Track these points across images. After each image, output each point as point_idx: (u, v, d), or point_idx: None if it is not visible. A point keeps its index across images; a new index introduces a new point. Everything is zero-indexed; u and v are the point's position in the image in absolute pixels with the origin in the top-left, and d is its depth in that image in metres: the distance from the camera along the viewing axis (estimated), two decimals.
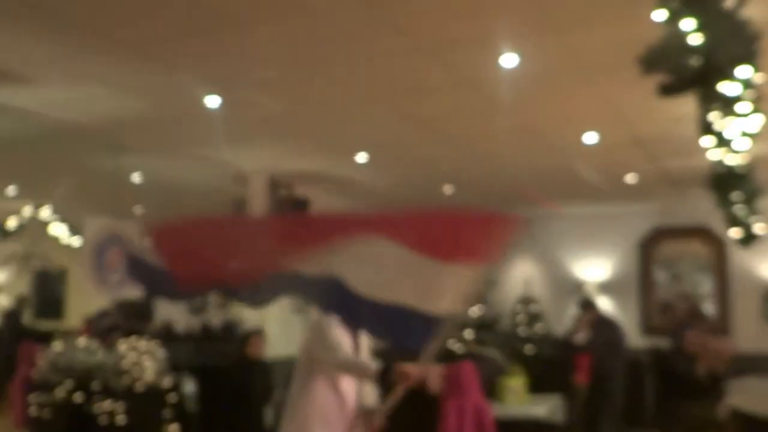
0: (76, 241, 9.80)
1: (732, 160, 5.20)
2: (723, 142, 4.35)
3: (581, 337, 7.37)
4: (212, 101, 5.29)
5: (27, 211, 9.58)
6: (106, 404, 5.39)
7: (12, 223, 9.78)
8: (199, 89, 5.07)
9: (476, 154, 7.01)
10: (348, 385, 3.65)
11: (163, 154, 7.22)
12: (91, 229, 6.77)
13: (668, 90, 3.36)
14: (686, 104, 4.54)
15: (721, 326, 9.05)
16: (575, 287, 9.99)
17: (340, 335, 3.60)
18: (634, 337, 9.36)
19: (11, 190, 8.97)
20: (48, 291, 12.40)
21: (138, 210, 9.82)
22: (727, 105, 3.70)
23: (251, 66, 4.62)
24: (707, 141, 4.38)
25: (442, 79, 4.79)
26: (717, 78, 2.99)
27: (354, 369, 3.59)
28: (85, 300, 10.51)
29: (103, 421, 5.30)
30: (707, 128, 4.16)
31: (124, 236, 6.86)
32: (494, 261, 3.02)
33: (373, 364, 3.57)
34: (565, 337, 7.96)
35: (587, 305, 7.70)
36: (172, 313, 11.32)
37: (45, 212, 9.60)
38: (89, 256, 6.70)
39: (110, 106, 5.58)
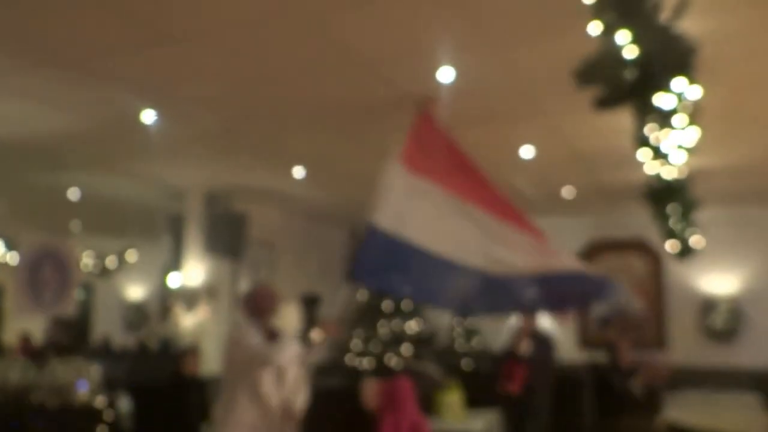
0: (12, 258, 9.47)
1: (668, 173, 5.35)
2: (659, 156, 4.47)
3: (523, 348, 7.42)
4: (148, 116, 5.22)
5: None
6: (41, 422, 5.22)
7: None
8: (135, 105, 5.01)
9: None
10: (270, 388, 3.83)
11: (99, 170, 7.07)
12: (26, 246, 6.58)
13: (603, 103, 3.43)
14: (623, 118, 4.68)
15: (657, 340, 9.26)
16: None
17: (253, 334, 3.82)
18: (572, 351, 9.50)
19: None
20: None
21: (75, 226, 9.56)
22: (662, 118, 3.79)
23: (188, 81, 4.57)
24: (643, 154, 4.49)
25: (380, 94, 4.80)
26: (652, 91, 3.07)
27: (268, 354, 3.73)
28: (21, 317, 10.16)
29: None
30: (643, 141, 4.27)
31: (59, 253, 6.66)
32: None
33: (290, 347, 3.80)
34: (507, 347, 8.02)
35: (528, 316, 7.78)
36: (109, 329, 11.05)
37: None
38: (23, 273, 6.49)
39: (46, 123, 5.48)
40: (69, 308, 6.72)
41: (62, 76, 4.46)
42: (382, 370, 7.59)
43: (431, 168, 3.94)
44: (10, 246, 9.85)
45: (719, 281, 9.09)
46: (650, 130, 4.12)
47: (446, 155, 4.10)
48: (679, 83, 3.19)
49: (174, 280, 8.03)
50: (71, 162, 6.69)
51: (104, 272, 10.87)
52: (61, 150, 6.28)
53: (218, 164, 6.90)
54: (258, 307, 4.02)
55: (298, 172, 7.00)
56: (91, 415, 5.51)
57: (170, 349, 7.70)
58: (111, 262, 10.93)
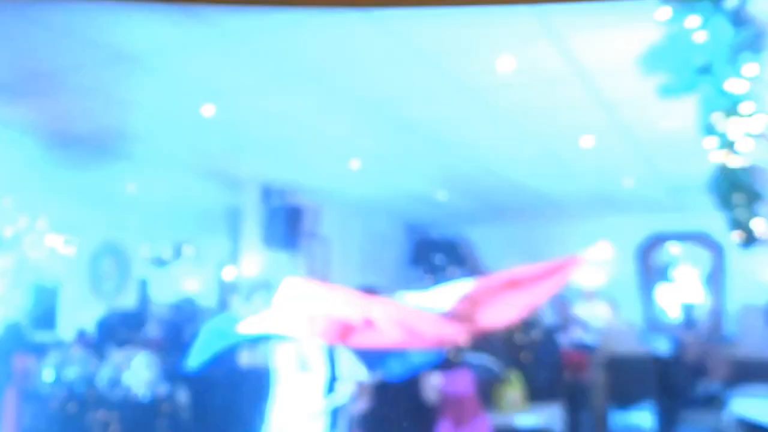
0: (70, 252, 9.72)
1: (734, 162, 5.16)
2: (726, 144, 4.32)
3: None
4: (207, 110, 5.29)
5: (22, 222, 9.51)
6: (100, 414, 5.32)
7: (8, 234, 9.70)
8: (193, 99, 5.07)
9: (468, 159, 6.99)
10: None
11: (157, 164, 7.19)
12: (86, 239, 6.73)
13: (671, 91, 3.34)
14: (687, 105, 4.54)
15: (723, 333, 8.99)
16: (573, 293, 9.93)
17: None
18: (636, 344, 9.32)
19: (7, 202, 8.90)
20: (42, 302, 12.29)
21: (132, 220, 9.75)
22: (730, 105, 3.67)
23: (243, 75, 4.61)
24: (709, 143, 4.35)
25: (438, 85, 4.76)
26: (722, 77, 2.96)
27: None
28: (78, 311, 10.43)
29: (97, 431, 5.23)
30: (710, 130, 4.13)
31: (118, 246, 6.81)
32: None
33: None
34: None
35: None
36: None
37: (40, 223, 9.54)
38: (83, 266, 6.64)
39: (106, 116, 5.58)
40: (128, 301, 6.85)
41: (129, 74, 4.53)
42: (441, 364, 7.55)
43: None
44: (68, 242, 10.12)
45: None
46: (717, 118, 3.99)
47: None
48: (749, 68, 3.07)
49: (230, 273, 8.14)
50: (130, 156, 6.82)
51: (161, 265, 11.06)
52: (120, 144, 6.41)
53: (275, 157, 6.97)
54: None
55: (354, 165, 7.01)
56: (152, 406, 5.60)
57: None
58: (167, 255, 11.12)
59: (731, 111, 3.74)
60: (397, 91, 4.94)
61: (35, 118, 5.59)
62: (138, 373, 5.57)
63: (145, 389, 5.57)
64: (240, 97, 5.08)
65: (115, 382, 5.48)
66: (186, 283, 12.33)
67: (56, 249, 10.01)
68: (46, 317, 11.53)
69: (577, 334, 7.50)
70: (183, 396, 6.29)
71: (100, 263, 6.77)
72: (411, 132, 5.95)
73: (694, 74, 2.99)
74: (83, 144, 6.37)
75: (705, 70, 2.94)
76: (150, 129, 5.90)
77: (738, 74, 2.97)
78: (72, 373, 5.60)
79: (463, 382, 5.67)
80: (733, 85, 3.05)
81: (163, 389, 5.75)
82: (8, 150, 6.47)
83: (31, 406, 5.56)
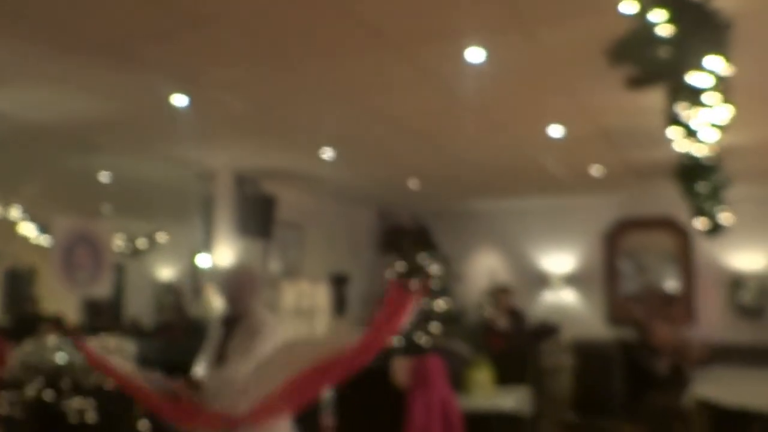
0: (45, 240, 9.66)
1: (698, 151, 5.31)
2: (690, 133, 4.44)
3: (501, 323, 7.69)
4: (179, 100, 5.29)
5: None
6: (76, 402, 5.31)
7: None
8: (166, 88, 5.07)
9: (442, 148, 7.05)
10: None
11: (130, 153, 7.17)
12: (60, 228, 6.67)
13: (636, 83, 3.43)
14: (652, 96, 4.65)
15: (687, 317, 9.24)
16: (540, 279, 10.12)
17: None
18: (600, 328, 9.54)
19: None
20: (17, 289, 12.20)
21: (105, 209, 9.71)
22: (694, 96, 3.78)
23: (217, 64, 4.63)
24: (674, 132, 4.47)
25: (408, 74, 4.82)
26: (686, 69, 3.06)
27: None
28: (54, 298, 10.37)
29: (73, 419, 5.22)
30: (674, 119, 4.25)
31: (93, 235, 6.78)
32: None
33: None
34: (485, 321, 8.25)
35: (503, 290, 8.11)
36: (140, 310, 11.23)
37: (14, 212, 9.45)
38: (58, 255, 6.60)
39: (78, 107, 5.56)
40: (104, 289, 6.84)
41: (95, 61, 4.51)
42: (411, 349, 7.65)
43: None
44: (42, 229, 10.03)
45: (748, 258, 9.04)
46: (681, 108, 4.11)
47: None
48: (713, 61, 3.17)
49: (204, 261, 8.15)
50: (103, 145, 6.79)
51: (135, 254, 11.01)
52: (92, 134, 6.39)
53: (248, 146, 6.97)
54: (234, 292, 3.68)
55: (327, 153, 7.05)
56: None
57: (201, 329, 7.82)
58: (141, 243, 11.09)
59: (695, 101, 3.85)
60: (371, 81, 4.98)
61: (4, 107, 5.55)
62: (114, 360, 5.56)
63: None
64: (213, 85, 5.08)
65: (90, 369, 5.46)
66: (160, 271, 12.32)
67: (30, 237, 9.94)
68: (19, 304, 11.45)
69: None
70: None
71: (74, 252, 6.73)
72: (383, 121, 5.98)
73: (660, 66, 3.08)
74: (56, 133, 6.33)
75: (671, 62, 3.03)
76: (122, 117, 5.86)
77: (702, 67, 3.06)
78: (47, 360, 5.57)
79: (433, 367, 5.76)
80: (698, 78, 3.15)
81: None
82: None
83: (7, 394, 5.53)
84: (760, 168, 7.56)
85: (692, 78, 3.10)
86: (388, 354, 7.62)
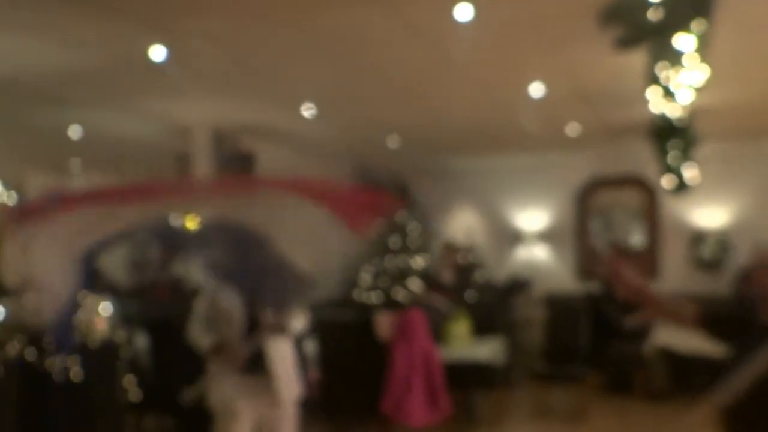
0: (10, 198, 9.48)
1: (673, 111, 5.46)
2: (668, 94, 4.56)
3: (446, 277, 7.91)
4: (157, 53, 5.17)
5: None
6: (60, 360, 5.32)
7: None
8: (142, 40, 4.94)
9: (422, 106, 7.09)
10: None
11: (103, 107, 7.03)
12: (35, 185, 6.55)
13: (624, 43, 3.53)
14: (632, 57, 4.75)
15: (651, 270, 9.54)
16: (514, 236, 10.32)
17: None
18: (570, 282, 9.81)
19: None
20: None
21: (74, 165, 9.55)
22: (675, 58, 3.88)
23: (196, 15, 4.53)
24: (653, 92, 4.59)
25: (395, 30, 4.81)
26: (673, 32, 3.15)
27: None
28: (21, 257, 10.21)
29: (58, 377, 5.23)
30: (654, 80, 4.36)
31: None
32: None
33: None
34: (432, 277, 8.47)
35: (450, 247, 8.38)
36: (110, 269, 11.15)
37: None
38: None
39: (49, 58, 5.40)
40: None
41: (68, 10, 4.36)
42: (391, 304, 7.80)
43: None
44: (8, 185, 9.85)
45: (709, 215, 9.34)
46: (661, 69, 4.22)
47: None
48: (699, 24, 3.28)
49: (179, 221, 8.10)
50: (74, 99, 6.63)
51: None
52: (64, 87, 6.22)
53: (226, 102, 6.89)
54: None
55: (307, 109, 7.00)
56: (111, 351, 5.62)
57: (181, 288, 7.85)
58: None
59: (675, 63, 3.96)
60: (354, 35, 4.95)
61: None
62: (96, 318, 5.57)
63: (104, 334, 5.58)
64: (191, 36, 4.98)
65: (73, 327, 5.46)
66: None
67: None
68: None
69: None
70: (142, 341, 6.35)
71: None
72: (365, 76, 5.97)
73: (648, 28, 3.17)
74: (23, 86, 6.17)
75: (659, 24, 3.12)
76: (95, 70, 5.71)
77: (689, 29, 3.16)
78: (27, 319, 5.54)
79: (415, 321, 5.91)
80: (682, 41, 3.25)
81: (121, 334, 5.78)
82: None
83: None
84: (721, 128, 7.76)
85: (679, 41, 3.20)
86: (371, 309, 7.78)
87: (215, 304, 3.79)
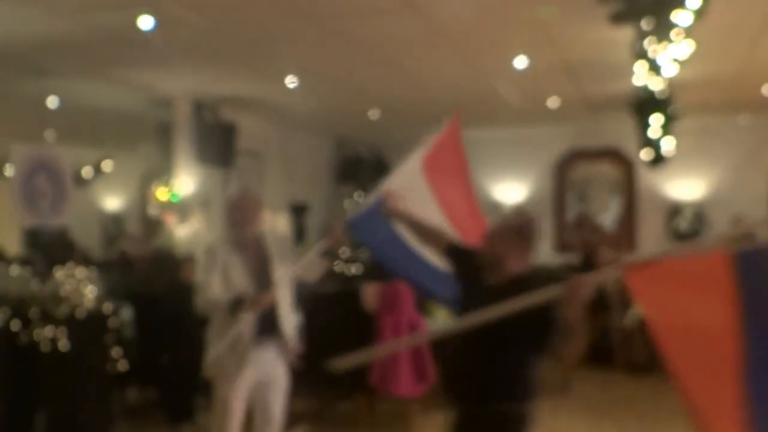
0: None
1: (655, 85, 5.55)
2: (653, 68, 4.65)
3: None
4: (145, 23, 5.10)
5: None
6: (47, 331, 5.30)
7: None
8: (127, 10, 4.87)
9: (406, 78, 7.09)
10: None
11: (82, 76, 6.92)
12: (19, 155, 6.45)
13: (620, 17, 3.58)
14: (617, 31, 4.80)
15: (628, 242, 9.72)
16: (493, 208, 10.41)
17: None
18: (548, 255, 9.94)
19: None
20: None
21: (49, 135, 9.39)
22: (664, 32, 3.95)
23: None
24: (639, 66, 4.66)
25: (378, 1, 4.81)
26: (671, 8, 3.20)
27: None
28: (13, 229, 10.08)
29: (45, 347, 5.22)
30: (641, 54, 4.43)
31: (53, 162, 6.60)
32: None
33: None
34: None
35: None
36: (86, 241, 11.06)
37: None
38: (18, 183, 6.40)
39: (28, 26, 5.30)
40: (65, 219, 6.72)
41: None
42: (374, 275, 7.84)
43: (438, 174, 4.13)
44: None
45: (685, 187, 9.53)
46: (649, 44, 4.29)
47: (453, 166, 4.39)
48: (693, 0, 3.34)
49: (163, 191, 8.06)
50: (52, 68, 6.52)
51: (80, 183, 10.70)
52: (41, 56, 6.11)
53: (208, 72, 6.83)
54: (241, 217, 3.93)
55: (290, 80, 6.97)
56: (98, 322, 5.61)
57: (163, 260, 7.81)
58: (87, 172, 10.79)
59: (663, 38, 4.02)
60: (339, 6, 4.93)
61: None
62: (83, 290, 5.55)
63: (92, 305, 5.57)
64: (176, 8, 4.93)
65: (60, 298, 5.44)
66: (105, 201, 12.08)
67: None
68: None
69: None
70: (128, 312, 6.33)
71: (34, 180, 6.54)
72: (348, 48, 5.95)
73: (643, 4, 3.22)
74: (6, 56, 6.06)
75: (654, 1, 3.17)
76: (75, 39, 5.61)
77: (684, 5, 3.22)
78: (12, 290, 5.50)
79: (401, 292, 5.96)
80: (679, 17, 3.31)
81: (108, 305, 5.77)
82: None
83: None
84: (698, 100, 7.89)
85: (676, 16, 3.26)
86: (355, 280, 7.82)
87: (227, 261, 3.82)
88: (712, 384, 2.11)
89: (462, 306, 2.83)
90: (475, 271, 2.82)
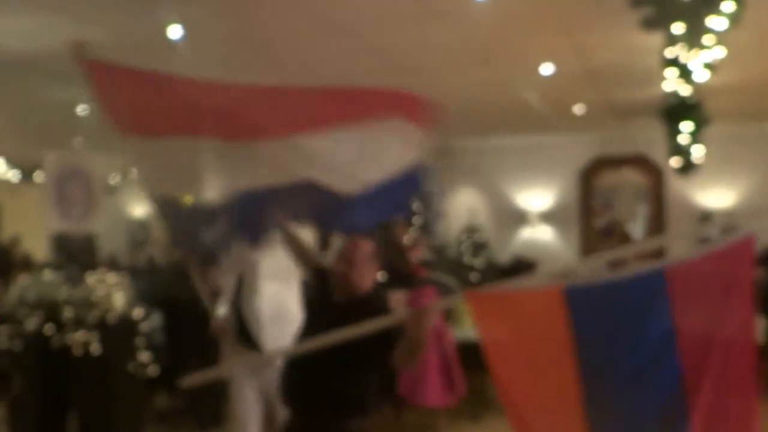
0: (13, 176, 9.47)
1: (685, 90, 5.50)
2: (684, 73, 4.61)
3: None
4: (174, 32, 5.17)
5: None
6: (79, 335, 5.37)
7: None
8: (156, 18, 4.94)
9: (430, 85, 7.02)
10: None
11: None
12: (51, 162, 6.55)
13: (652, 23, 3.56)
14: (646, 36, 4.77)
15: (657, 250, 9.59)
16: (519, 216, 10.37)
17: None
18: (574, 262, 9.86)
19: None
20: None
21: (77, 143, 9.52)
22: (696, 38, 3.92)
23: None
24: (670, 72, 4.63)
25: (409, 8, 4.82)
26: (705, 12, 3.18)
27: None
28: (22, 235, 10.24)
29: (77, 351, 5.29)
30: (672, 60, 4.40)
31: (83, 169, 6.68)
32: None
33: None
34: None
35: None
36: (114, 247, 11.18)
37: None
38: (49, 190, 6.50)
39: (64, 36, 5.36)
40: (96, 225, 6.80)
41: None
42: (402, 281, 7.82)
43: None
44: (12, 163, 9.83)
45: (716, 195, 9.42)
46: (680, 49, 4.26)
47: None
48: (728, 5, 3.31)
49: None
50: (81, 76, 6.62)
51: (107, 190, 10.83)
52: (70, 64, 6.21)
53: (235, 79, 6.86)
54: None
55: None
56: (129, 327, 5.66)
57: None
58: (114, 179, 10.93)
59: (695, 43, 3.99)
60: (367, 13, 4.95)
61: None
62: (114, 295, 5.60)
63: (123, 310, 5.62)
64: (207, 19, 4.99)
65: (91, 303, 5.50)
66: (134, 207, 12.19)
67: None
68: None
69: None
70: (158, 317, 6.38)
71: (66, 187, 6.63)
72: (374, 55, 5.96)
73: (677, 9, 3.20)
74: (38, 64, 6.16)
75: (688, 5, 3.15)
76: (109, 49, 5.70)
77: (719, 10, 3.19)
78: (46, 295, 5.58)
79: (428, 298, 5.92)
80: (713, 22, 3.28)
81: (139, 310, 5.82)
82: None
83: (5, 328, 5.55)
84: (730, 107, 7.81)
85: (710, 21, 3.23)
86: (382, 286, 7.79)
87: None
88: (550, 414, 2.22)
89: (308, 322, 2.88)
90: (324, 288, 2.88)
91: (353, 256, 2.78)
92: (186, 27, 5.14)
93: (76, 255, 7.89)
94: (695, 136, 6.47)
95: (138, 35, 5.37)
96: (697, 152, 7.01)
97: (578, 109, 8.06)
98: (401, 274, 7.03)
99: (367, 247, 2.83)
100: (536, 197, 10.31)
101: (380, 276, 8.45)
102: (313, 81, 6.63)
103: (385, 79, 6.67)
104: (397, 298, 6.19)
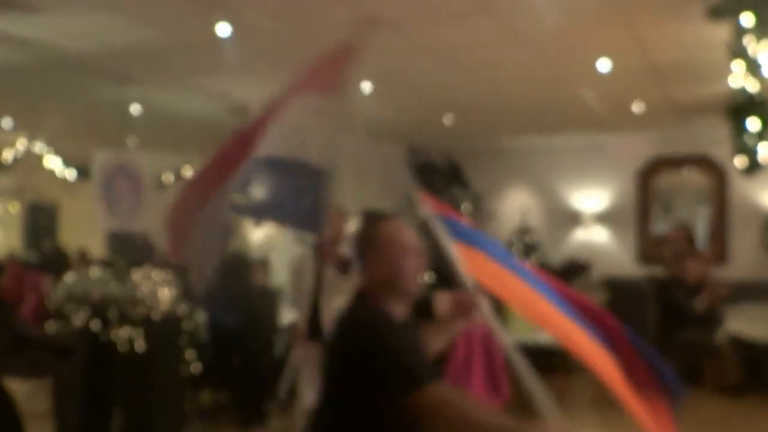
0: (70, 174, 9.66)
1: (753, 86, 5.20)
2: (752, 68, 4.35)
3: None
4: (223, 30, 5.16)
5: (21, 143, 9.39)
6: (125, 331, 5.41)
7: (6, 155, 9.56)
8: (206, 17, 4.93)
9: (484, 83, 6.92)
10: None
11: (163, 85, 7.07)
12: (100, 161, 6.64)
13: (718, 13, 3.34)
14: (708, 29, 4.53)
15: (719, 255, 9.21)
16: (572, 218, 10.09)
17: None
18: (631, 266, 9.55)
19: (6, 122, 8.77)
20: (40, 224, 12.32)
21: (131, 142, 9.66)
22: (765, 28, 3.67)
23: None
24: (737, 65, 4.37)
25: (456, 6, 4.69)
26: None
27: None
28: (77, 233, 10.44)
29: (122, 347, 5.33)
30: (740, 53, 4.15)
31: (131, 167, 6.75)
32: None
33: None
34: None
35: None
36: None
37: (39, 145, 9.43)
38: (99, 188, 6.59)
39: (118, 37, 5.45)
40: (144, 223, 6.85)
41: None
42: (449, 283, 7.69)
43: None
44: (68, 163, 10.01)
45: None
46: (748, 42, 4.01)
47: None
48: None
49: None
50: (137, 77, 6.70)
51: (161, 188, 10.96)
52: (124, 64, 6.28)
53: (282, 80, 6.83)
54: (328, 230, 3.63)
55: (365, 87, 6.91)
56: (174, 324, 5.68)
57: (237, 263, 7.87)
58: (167, 178, 11.03)
59: (766, 34, 3.75)
60: (416, 11, 4.84)
61: (43, 35, 5.45)
62: (160, 292, 5.63)
63: (168, 307, 5.64)
64: (253, 15, 4.95)
65: (137, 300, 5.54)
66: None
67: (55, 171, 9.94)
68: (43, 239, 11.56)
69: None
70: (201, 315, 6.39)
71: (114, 185, 6.71)
72: (424, 53, 5.85)
73: None
74: (91, 63, 6.24)
75: None
76: (160, 48, 5.74)
77: None
78: (92, 291, 5.65)
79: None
80: None
81: (183, 308, 5.83)
82: (7, 68, 6.34)
83: (53, 324, 5.63)
84: None
85: None
86: (426, 288, 7.66)
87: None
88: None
89: None
90: None
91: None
92: (235, 25, 5.11)
93: (127, 252, 8.00)
94: (762, 135, 6.13)
95: (187, 34, 5.37)
96: (764, 152, 6.65)
97: (637, 106, 7.77)
98: (448, 276, 6.89)
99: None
100: (591, 197, 10.01)
101: (428, 277, 8.37)
102: (357, 77, 6.62)
103: (432, 76, 6.60)
104: (442, 299, 6.07)
